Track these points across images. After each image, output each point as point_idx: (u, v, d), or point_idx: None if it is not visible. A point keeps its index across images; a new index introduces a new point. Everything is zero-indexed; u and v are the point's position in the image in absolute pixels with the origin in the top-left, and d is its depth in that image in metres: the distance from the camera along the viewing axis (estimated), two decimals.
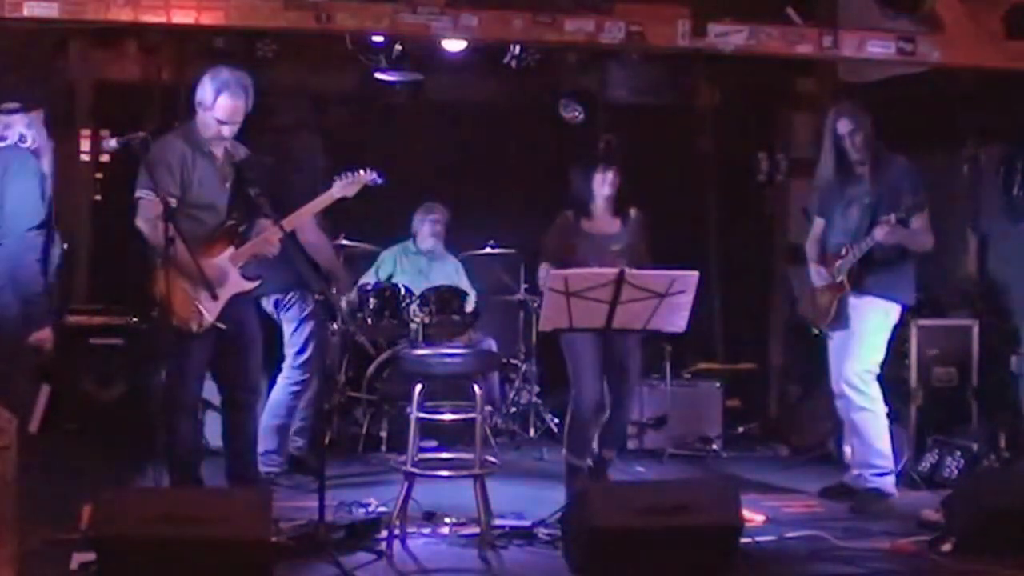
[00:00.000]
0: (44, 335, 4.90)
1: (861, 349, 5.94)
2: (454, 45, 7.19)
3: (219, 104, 5.15)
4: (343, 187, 5.52)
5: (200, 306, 5.09)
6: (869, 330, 5.94)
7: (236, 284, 5.26)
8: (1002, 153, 7.17)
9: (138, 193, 5.07)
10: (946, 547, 4.98)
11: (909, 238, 5.84)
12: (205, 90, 5.18)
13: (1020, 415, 6.62)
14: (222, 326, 5.17)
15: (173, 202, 5.00)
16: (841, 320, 6.00)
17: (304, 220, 5.56)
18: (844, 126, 5.95)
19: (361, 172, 5.57)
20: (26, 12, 5.66)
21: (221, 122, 5.17)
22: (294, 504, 5.51)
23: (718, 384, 7.68)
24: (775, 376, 8.42)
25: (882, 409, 5.96)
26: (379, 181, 5.61)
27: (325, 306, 5.86)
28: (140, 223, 5.09)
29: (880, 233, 5.74)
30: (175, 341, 5.15)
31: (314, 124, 7.26)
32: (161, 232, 4.82)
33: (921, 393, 6.71)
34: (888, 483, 5.97)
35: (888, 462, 5.97)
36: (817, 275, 6.14)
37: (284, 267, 5.56)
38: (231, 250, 5.26)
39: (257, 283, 5.36)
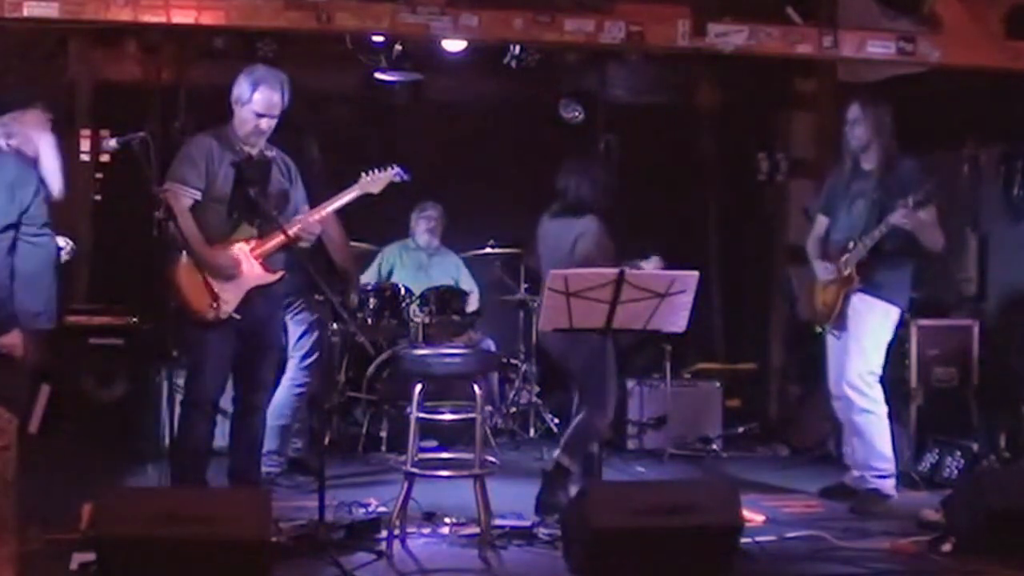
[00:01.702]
0: (10, 340, 4.78)
1: (863, 350, 5.93)
2: (454, 45, 7.19)
3: (256, 98, 5.23)
4: (367, 184, 5.50)
5: (218, 296, 5.10)
6: (870, 331, 5.93)
7: (255, 276, 5.27)
8: (1002, 153, 7.17)
9: (164, 186, 5.12)
10: (946, 547, 4.98)
11: (922, 228, 5.78)
12: (242, 87, 5.27)
13: (1020, 415, 6.62)
14: (237, 316, 5.18)
15: (190, 199, 5.14)
16: (845, 318, 6.00)
17: (328, 215, 5.57)
18: (851, 114, 5.98)
19: (388, 169, 5.56)
20: (26, 12, 5.67)
21: (259, 115, 5.25)
22: (294, 504, 5.51)
23: (718, 384, 7.68)
24: (775, 376, 8.42)
25: (884, 411, 5.96)
26: (405, 177, 5.58)
27: (327, 307, 5.86)
28: (160, 215, 5.12)
29: (896, 217, 5.69)
30: (192, 333, 5.19)
31: (308, 124, 7.26)
32: (177, 226, 4.95)
33: (921, 393, 6.71)
34: (888, 485, 5.96)
35: (889, 464, 5.97)
36: (823, 270, 6.10)
37: (295, 271, 5.56)
38: (252, 242, 5.28)
39: (279, 275, 5.35)
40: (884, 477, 5.95)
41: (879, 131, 5.92)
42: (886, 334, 5.95)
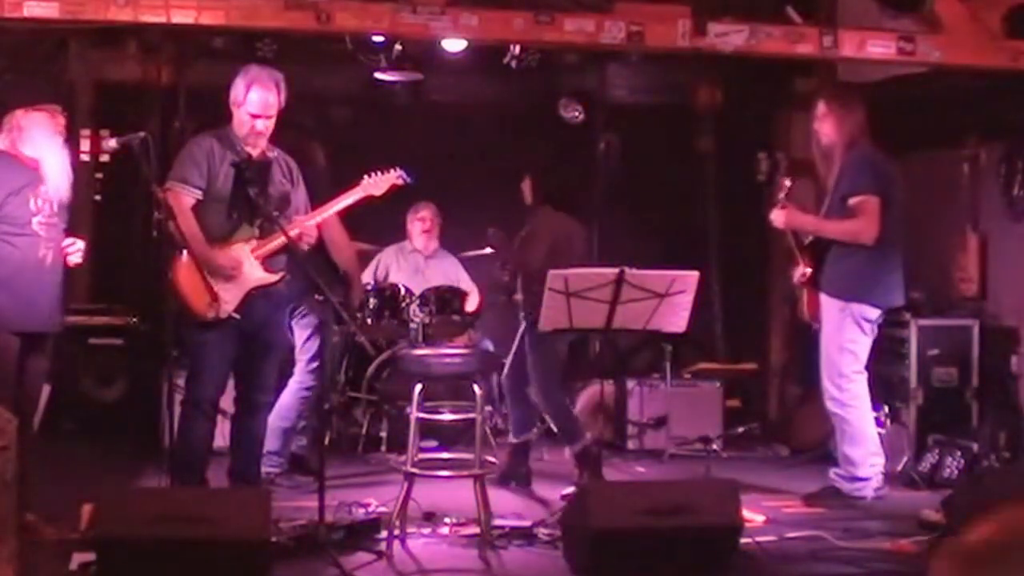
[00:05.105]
0: None
1: (827, 354, 5.84)
2: (454, 45, 7.19)
3: (250, 98, 5.25)
4: (370, 186, 5.50)
5: (217, 295, 5.10)
6: (830, 333, 5.83)
7: (256, 277, 5.27)
8: (1002, 153, 7.16)
9: (166, 186, 5.13)
10: None
11: (818, 227, 5.79)
12: (237, 88, 5.28)
13: (1020, 415, 6.62)
14: (237, 316, 5.17)
15: (192, 199, 5.16)
16: (817, 318, 5.97)
17: (329, 217, 5.56)
18: (817, 110, 5.95)
19: (390, 171, 5.56)
20: (26, 12, 5.66)
21: (255, 116, 5.26)
22: (294, 504, 5.51)
23: (718, 384, 7.68)
24: (775, 376, 8.42)
25: (854, 415, 5.83)
26: (408, 180, 5.59)
27: (328, 308, 5.86)
28: (160, 215, 5.12)
29: (771, 217, 5.80)
30: (193, 333, 5.19)
31: (312, 126, 7.26)
32: (177, 225, 4.98)
33: (921, 393, 6.71)
34: (852, 487, 5.85)
35: (854, 468, 5.84)
36: (796, 272, 6.11)
37: (300, 274, 5.57)
38: (253, 243, 5.27)
39: (279, 276, 5.34)
40: (843, 479, 5.87)
41: (842, 125, 5.85)
42: (847, 333, 5.78)
